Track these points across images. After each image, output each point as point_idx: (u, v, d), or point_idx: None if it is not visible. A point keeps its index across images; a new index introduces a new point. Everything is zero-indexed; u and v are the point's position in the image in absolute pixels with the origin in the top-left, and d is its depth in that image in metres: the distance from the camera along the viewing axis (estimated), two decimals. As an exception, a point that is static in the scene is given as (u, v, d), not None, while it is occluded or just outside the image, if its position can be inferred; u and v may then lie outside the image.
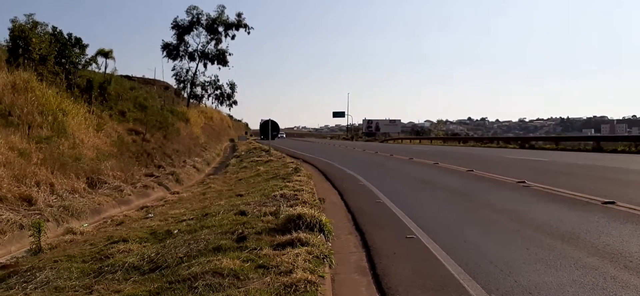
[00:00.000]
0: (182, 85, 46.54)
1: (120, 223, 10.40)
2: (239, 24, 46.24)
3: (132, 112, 23.63)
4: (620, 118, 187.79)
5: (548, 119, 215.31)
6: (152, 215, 10.60)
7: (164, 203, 13.23)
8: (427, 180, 14.23)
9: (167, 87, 47.41)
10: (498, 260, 5.48)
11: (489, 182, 13.07)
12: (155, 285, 4.89)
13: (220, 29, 45.85)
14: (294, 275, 4.81)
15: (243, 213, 8.14)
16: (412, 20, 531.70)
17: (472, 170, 15.74)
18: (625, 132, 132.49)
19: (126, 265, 5.84)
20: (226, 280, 4.77)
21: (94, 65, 23.28)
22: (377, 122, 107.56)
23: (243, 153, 31.57)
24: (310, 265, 5.16)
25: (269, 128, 25.90)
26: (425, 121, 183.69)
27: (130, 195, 14.16)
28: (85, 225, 10.61)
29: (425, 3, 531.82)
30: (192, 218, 8.67)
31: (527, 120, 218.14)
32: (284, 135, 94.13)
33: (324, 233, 6.67)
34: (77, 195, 12.36)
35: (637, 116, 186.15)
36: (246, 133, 68.15)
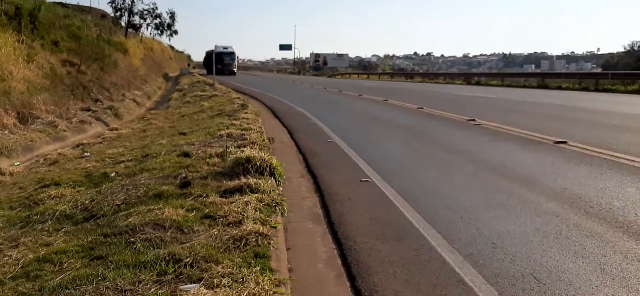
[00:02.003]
0: (119, 13, 43.85)
1: (54, 162, 9.63)
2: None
3: (66, 42, 21.99)
4: (560, 54, 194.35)
5: (491, 54, 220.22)
6: (88, 154, 9.88)
7: (101, 140, 12.43)
8: (378, 118, 13.99)
9: (103, 15, 44.65)
10: (457, 206, 5.26)
11: (439, 119, 12.96)
12: (88, 239, 4.38)
13: (161, -48, 43.23)
14: (244, 226, 4.40)
15: (187, 154, 7.60)
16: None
17: (422, 108, 15.63)
18: (564, 68, 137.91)
19: (57, 213, 5.26)
20: (168, 233, 4.31)
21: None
22: (325, 56, 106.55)
23: (186, 86, 30.36)
24: (261, 215, 4.76)
25: (213, 61, 24.76)
26: (372, 55, 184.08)
27: (65, 130, 13.21)
28: (17, 163, 9.80)
29: None
30: (131, 159, 8.07)
31: (470, 55, 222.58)
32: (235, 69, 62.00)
33: (274, 177, 6.27)
34: (6, 131, 11.37)
35: (575, 52, 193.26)
36: (189, 65, 65.39)
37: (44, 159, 10.11)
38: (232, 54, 59.78)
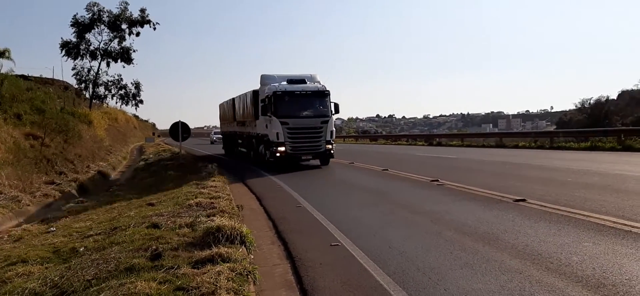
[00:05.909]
0: (83, 85, 43.41)
1: (19, 239, 9.42)
2: (143, 21, 43.83)
3: (29, 114, 21.75)
4: (515, 113, 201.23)
5: (450, 115, 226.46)
6: (55, 229, 9.70)
7: (67, 214, 12.21)
8: (346, 181, 14.22)
9: (67, 87, 44.20)
10: (425, 266, 5.43)
11: (404, 181, 13.26)
12: (59, 317, 4.35)
13: (124, 26, 43.25)
14: (217, 296, 4.45)
15: (156, 225, 7.59)
16: (317, 20, 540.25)
17: (387, 170, 15.97)
18: (520, 126, 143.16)
19: (26, 291, 5.19)
20: (141, 308, 4.33)
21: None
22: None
23: (151, 156, 30.21)
24: (234, 284, 4.82)
25: (179, 130, 24.55)
26: (336, 119, 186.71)
27: (29, 205, 12.96)
28: (-21, 241, 9.54)
29: (331, 4, 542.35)
30: (99, 233, 7.98)
31: (431, 116, 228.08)
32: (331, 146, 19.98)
33: (245, 246, 6.34)
34: (-32, 209, 11.14)
35: (530, 111, 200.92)
36: (154, 133, 64.88)
37: (7, 235, 9.88)
38: (324, 96, 20.05)
